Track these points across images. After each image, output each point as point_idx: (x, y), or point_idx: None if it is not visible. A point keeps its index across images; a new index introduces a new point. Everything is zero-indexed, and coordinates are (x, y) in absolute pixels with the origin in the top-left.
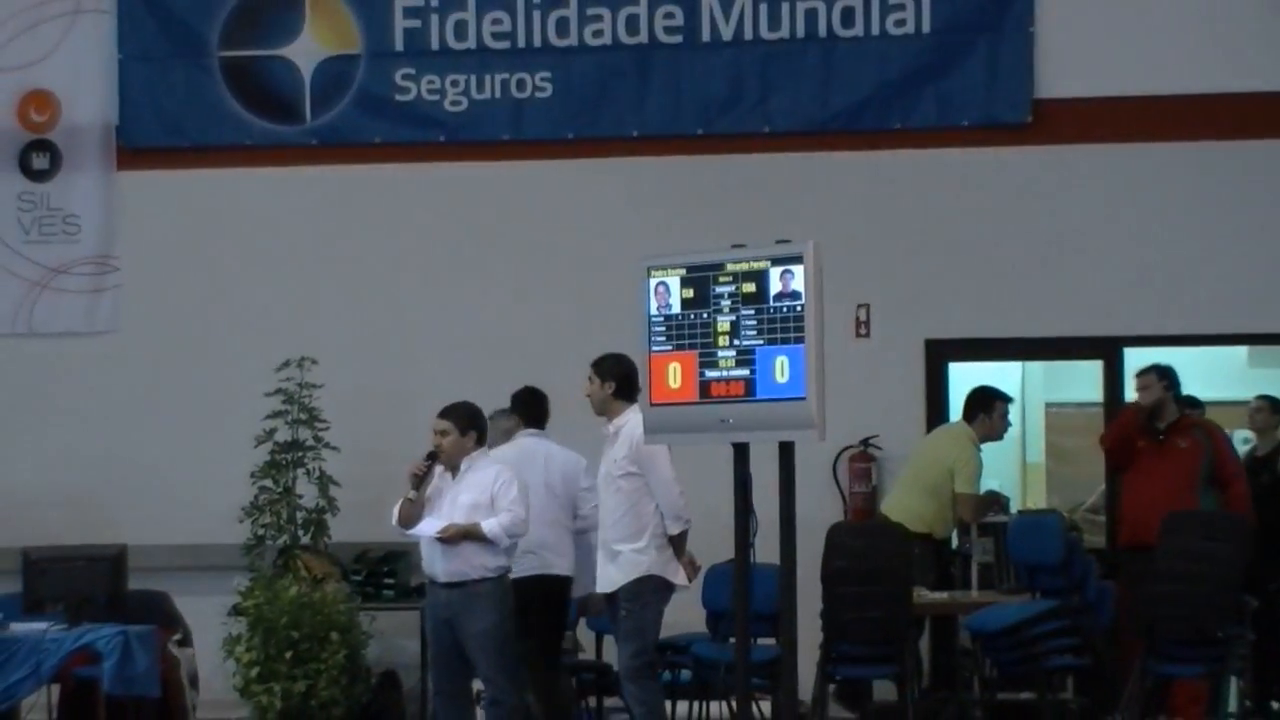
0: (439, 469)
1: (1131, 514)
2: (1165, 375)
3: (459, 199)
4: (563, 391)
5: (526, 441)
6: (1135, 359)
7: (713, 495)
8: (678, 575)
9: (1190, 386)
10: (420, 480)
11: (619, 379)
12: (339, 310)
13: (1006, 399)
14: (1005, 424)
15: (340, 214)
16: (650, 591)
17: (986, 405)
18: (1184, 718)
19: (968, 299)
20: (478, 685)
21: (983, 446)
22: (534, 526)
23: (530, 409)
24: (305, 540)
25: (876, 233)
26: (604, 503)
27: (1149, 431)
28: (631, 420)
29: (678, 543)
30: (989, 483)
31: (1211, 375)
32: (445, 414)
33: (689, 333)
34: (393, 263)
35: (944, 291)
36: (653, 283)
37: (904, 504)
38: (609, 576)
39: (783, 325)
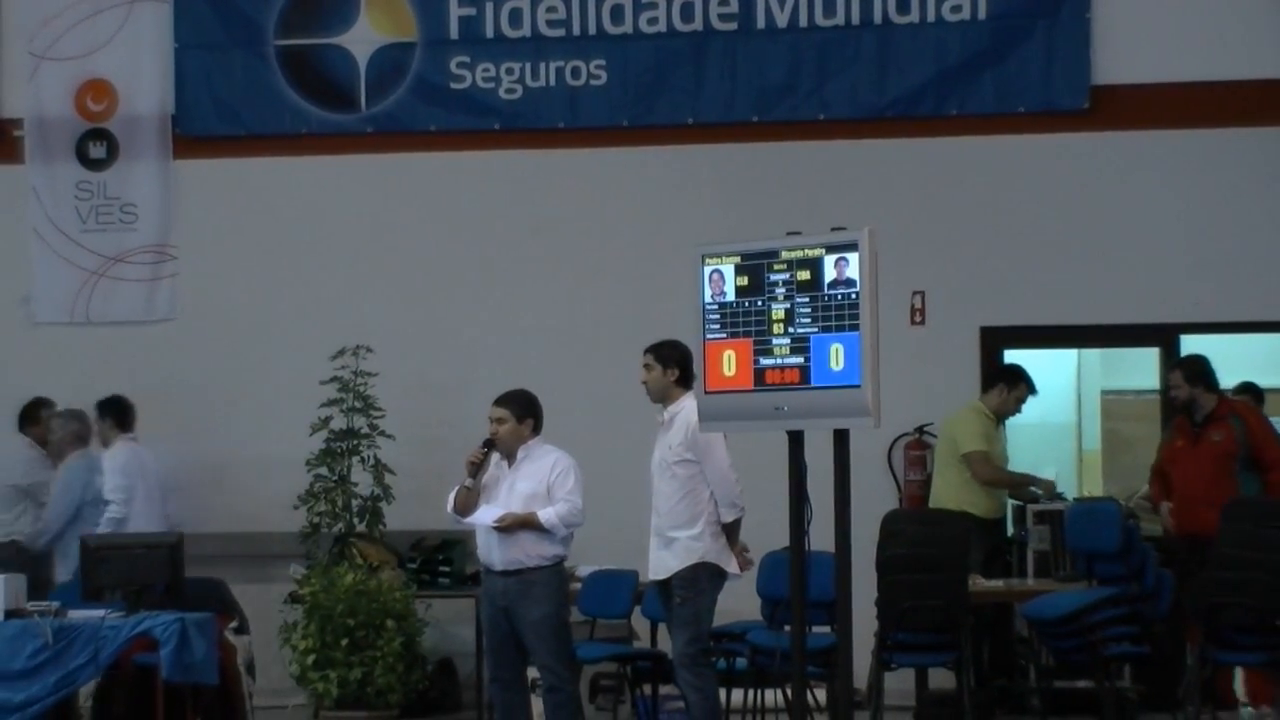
0: (495, 457)
1: (1176, 505)
2: (1192, 369)
3: (513, 187)
4: (617, 378)
5: (128, 446)
6: (1192, 346)
7: (768, 483)
8: (730, 564)
9: (1250, 373)
10: (477, 468)
11: (681, 365)
12: (394, 298)
13: (1032, 389)
14: (1018, 407)
15: (395, 202)
16: (706, 579)
17: (1011, 380)
18: (1264, 701)
19: (1024, 286)
20: (533, 673)
21: (1037, 440)
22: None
23: (120, 413)
24: (361, 528)
25: (932, 220)
26: (658, 489)
27: (1188, 426)
28: (687, 407)
29: (731, 531)
30: (1043, 472)
31: (1272, 362)
32: (501, 401)
33: (744, 320)
34: (447, 251)
35: (1000, 278)
36: (707, 270)
37: (936, 487)
38: (663, 563)
39: (838, 312)
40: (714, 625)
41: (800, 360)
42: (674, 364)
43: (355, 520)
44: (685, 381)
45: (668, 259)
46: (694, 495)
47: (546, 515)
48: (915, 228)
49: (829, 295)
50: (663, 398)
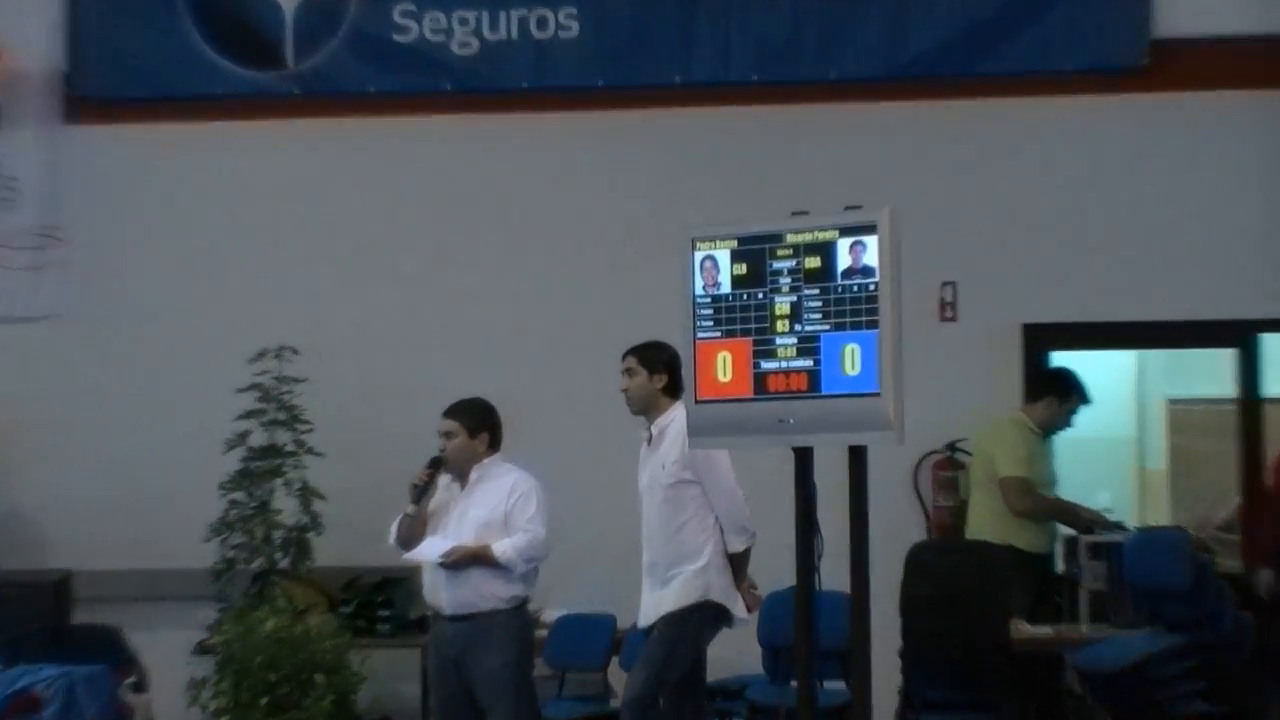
0: (444, 478)
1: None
2: None
3: (468, 159)
4: (591, 384)
5: None
6: (1274, 347)
7: (769, 510)
8: (738, 605)
9: None
10: (422, 492)
11: (670, 370)
12: (326, 290)
13: (1085, 398)
14: (1069, 420)
15: (327, 177)
16: (703, 620)
17: (1060, 389)
18: None
19: (1074, 275)
20: None
21: (1090, 458)
22: None
23: None
24: (285, 564)
25: (964, 197)
26: (650, 518)
27: None
28: (678, 418)
29: (739, 563)
30: (1097, 496)
31: None
32: (452, 412)
33: (741, 316)
34: (389, 235)
35: (1045, 266)
36: (699, 257)
37: (972, 514)
38: (658, 606)
39: (853, 307)
40: (708, 679)
41: (809, 363)
42: (661, 368)
43: (278, 555)
44: (674, 389)
45: (651, 244)
46: (697, 521)
47: (503, 548)
48: (944, 207)
49: (843, 286)
50: (647, 409)
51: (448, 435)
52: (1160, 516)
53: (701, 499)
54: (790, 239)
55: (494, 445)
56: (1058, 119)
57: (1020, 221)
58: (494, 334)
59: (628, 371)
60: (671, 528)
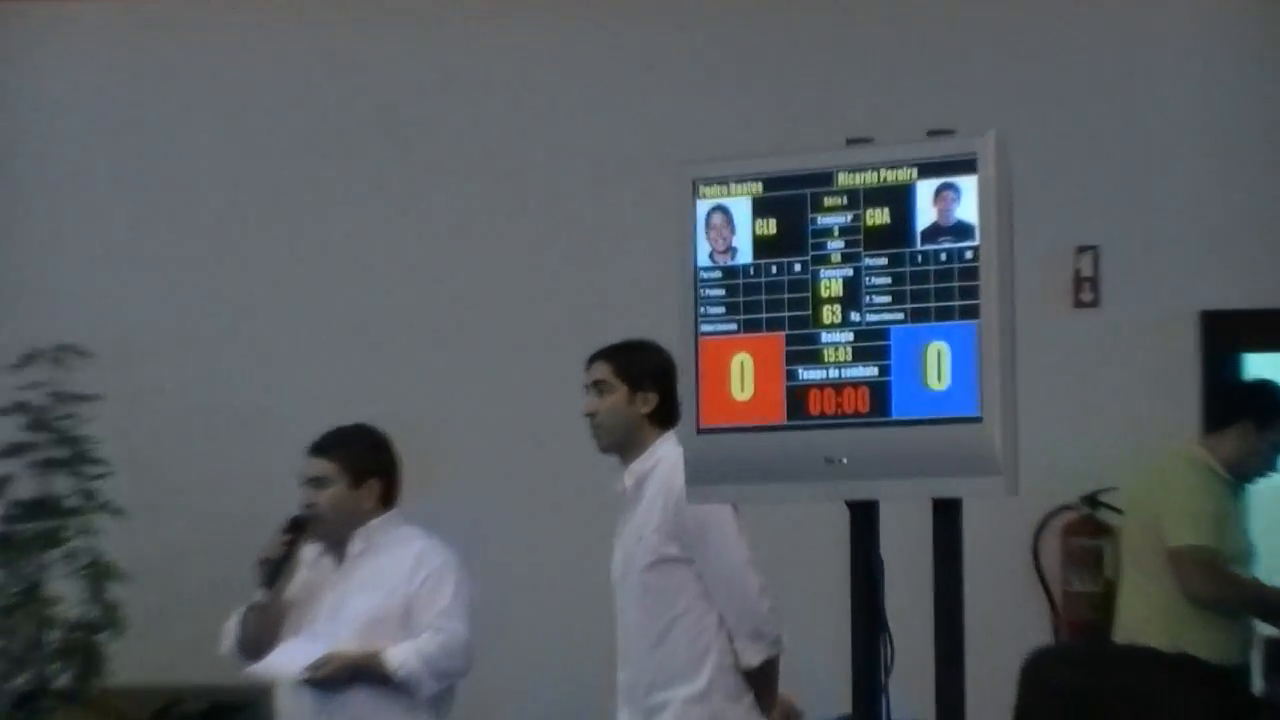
0: (311, 549)
1: None
2: None
3: (343, 71)
4: (541, 405)
5: None
6: None
7: (807, 599)
8: None
9: None
10: (276, 570)
11: (661, 386)
12: (126, 263)
13: None
14: (1273, 460)
15: (131, 95)
16: None
17: (1263, 414)
18: None
19: (1272, 243)
20: None
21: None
22: None
23: None
24: (65, 681)
25: (1108, 125)
26: (626, 617)
27: None
28: (664, 460)
29: (761, 682)
30: None
31: None
32: (324, 448)
33: (770, 300)
34: (226, 177)
35: (1230, 230)
36: (704, 209)
37: (1125, 603)
38: None
39: (940, 286)
40: None
41: (872, 371)
42: (648, 383)
43: (53, 667)
44: (667, 415)
45: (633, 188)
46: (691, 621)
47: (403, 657)
48: (1076, 136)
49: (924, 254)
50: (624, 444)
51: (317, 483)
52: None
53: (698, 587)
54: (844, 181)
55: (388, 498)
56: (1238, 8)
57: (1192, 158)
58: (389, 326)
59: (596, 386)
60: (654, 631)
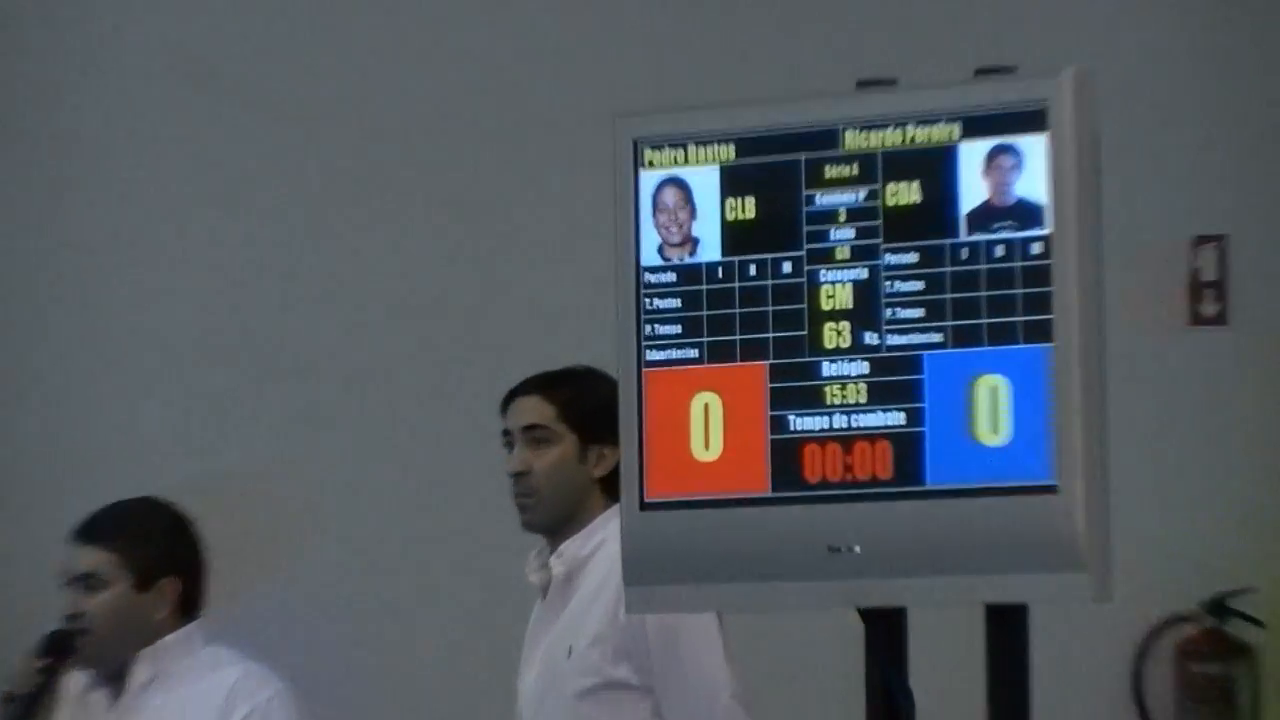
0: (77, 679)
1: None
2: None
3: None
4: (427, 463)
5: None
6: None
7: None
8: None
9: None
10: (27, 711)
11: (618, 438)
12: None
13: None
14: None
15: None
16: None
17: None
18: None
19: None
20: None
21: None
22: None
23: None
24: None
25: (1221, 68)
26: None
27: None
28: (614, 543)
29: None
30: None
31: None
32: (96, 533)
33: (746, 313)
34: None
35: None
36: (650, 182)
37: None
38: None
39: (996, 294)
40: None
41: (897, 419)
42: (605, 433)
43: None
44: (617, 482)
45: (556, 154)
46: None
47: None
48: (1190, 85)
49: (971, 248)
50: (563, 517)
51: (87, 582)
52: None
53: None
54: (853, 142)
55: (188, 606)
56: None
57: None
58: (202, 347)
59: (530, 434)
60: None
